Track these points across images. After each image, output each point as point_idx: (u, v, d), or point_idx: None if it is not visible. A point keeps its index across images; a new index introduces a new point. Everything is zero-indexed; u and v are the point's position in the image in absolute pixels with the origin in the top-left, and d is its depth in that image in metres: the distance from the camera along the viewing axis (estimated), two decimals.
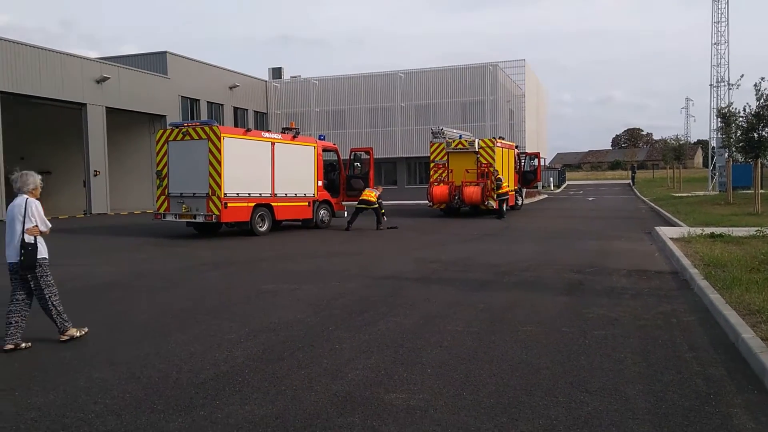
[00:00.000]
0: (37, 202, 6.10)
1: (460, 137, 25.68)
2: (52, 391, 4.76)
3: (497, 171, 24.56)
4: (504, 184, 24.57)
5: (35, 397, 4.66)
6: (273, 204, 18.16)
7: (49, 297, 6.12)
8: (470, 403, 4.45)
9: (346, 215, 21.34)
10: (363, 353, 5.70)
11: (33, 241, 5.94)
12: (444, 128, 26.78)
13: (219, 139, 16.51)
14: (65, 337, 6.16)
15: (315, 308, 7.66)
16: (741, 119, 21.79)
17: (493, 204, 24.27)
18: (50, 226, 6.22)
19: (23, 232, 5.92)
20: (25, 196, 6.04)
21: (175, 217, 17.29)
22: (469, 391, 4.70)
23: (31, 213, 5.96)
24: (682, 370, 5.13)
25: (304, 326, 6.75)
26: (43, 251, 6.06)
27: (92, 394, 4.70)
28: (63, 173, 33.00)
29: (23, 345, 5.93)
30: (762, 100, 20.23)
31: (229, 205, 16.66)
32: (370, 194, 19.67)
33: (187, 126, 17.39)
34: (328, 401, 4.51)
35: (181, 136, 17.16)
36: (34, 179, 6.14)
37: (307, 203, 19.55)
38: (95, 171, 29.06)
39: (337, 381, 4.94)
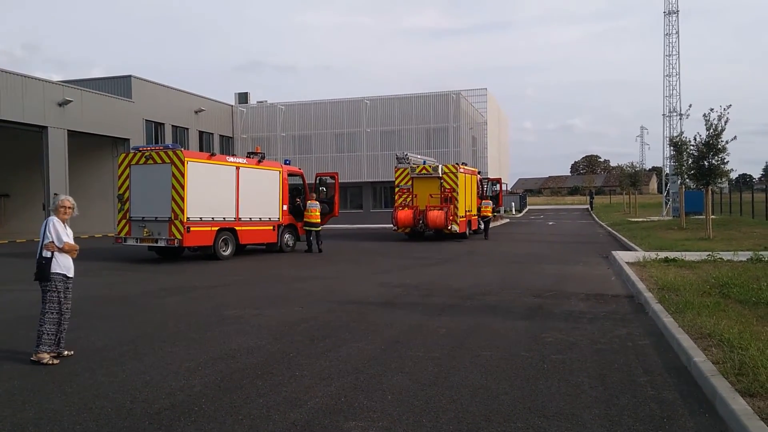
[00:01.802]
0: (56, 220, 6.51)
1: (425, 163, 26.02)
2: None
3: (488, 195, 27.59)
4: (488, 207, 26.43)
5: None
6: (237, 228, 18.02)
7: (47, 312, 6.43)
8: (430, 431, 4.44)
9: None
10: (323, 380, 5.65)
11: (49, 256, 6.40)
12: (409, 154, 27.10)
13: (183, 163, 16.37)
14: (34, 359, 6.28)
15: (276, 334, 7.58)
16: (692, 148, 22.56)
17: (457, 228, 24.62)
18: (67, 243, 6.49)
19: (41, 247, 6.42)
20: (52, 215, 6.55)
21: (137, 241, 17.03)
22: (428, 418, 4.70)
23: (48, 230, 6.43)
24: (636, 394, 5.23)
25: (264, 353, 6.67)
26: (58, 267, 6.46)
27: (41, 426, 4.54)
28: (22, 196, 32.24)
29: (65, 353, 6.54)
30: (711, 130, 20.99)
31: (191, 229, 16.47)
32: (315, 212, 19.72)
33: (151, 150, 17.21)
34: (286, 431, 4.45)
35: (144, 159, 16.98)
36: (58, 200, 6.66)
37: (271, 227, 19.44)
38: (55, 194, 28.23)
39: (296, 409, 4.88)
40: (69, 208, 6.61)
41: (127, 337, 7.52)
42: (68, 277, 6.58)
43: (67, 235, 6.55)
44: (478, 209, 27.01)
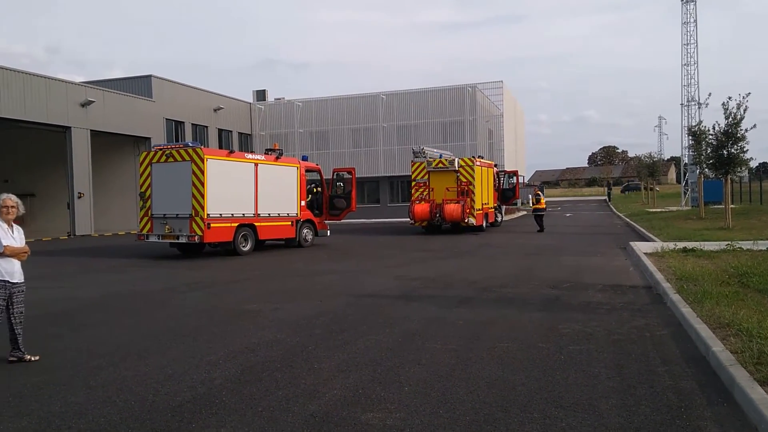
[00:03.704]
0: None
1: (441, 156, 26.00)
2: (26, 417, 4.72)
3: (538, 187, 26.46)
4: (542, 200, 25.72)
5: (8, 423, 4.61)
6: (256, 224, 18.21)
7: None
8: (446, 422, 4.48)
9: (328, 234, 21.45)
10: (341, 372, 5.72)
11: None
12: (425, 148, 27.11)
13: (202, 160, 16.58)
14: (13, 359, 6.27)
15: (295, 328, 7.67)
16: (711, 137, 22.30)
17: (474, 221, 24.63)
18: (9, 246, 6.08)
19: None
20: None
21: (159, 238, 17.30)
22: (445, 409, 4.73)
23: None
24: (654, 384, 5.21)
25: (284, 346, 6.76)
26: None
27: (66, 419, 4.66)
28: (47, 195, 32.87)
29: (28, 357, 6.27)
30: (730, 119, 20.72)
31: (212, 225, 16.68)
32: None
33: (171, 148, 17.45)
34: (305, 422, 4.51)
35: (164, 158, 17.22)
36: None
37: (290, 223, 19.60)
38: (79, 193, 28.92)
39: (315, 401, 4.95)
40: (11, 207, 6.12)
41: (149, 332, 7.67)
42: (13, 283, 6.14)
43: (13, 238, 6.12)
44: (537, 201, 25.99)
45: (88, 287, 11.86)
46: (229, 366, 6.00)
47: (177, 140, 34.22)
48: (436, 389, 5.19)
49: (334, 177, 22.27)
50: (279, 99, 44.28)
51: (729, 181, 23.16)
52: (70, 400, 5.10)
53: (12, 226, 6.21)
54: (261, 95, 44.63)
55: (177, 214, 16.90)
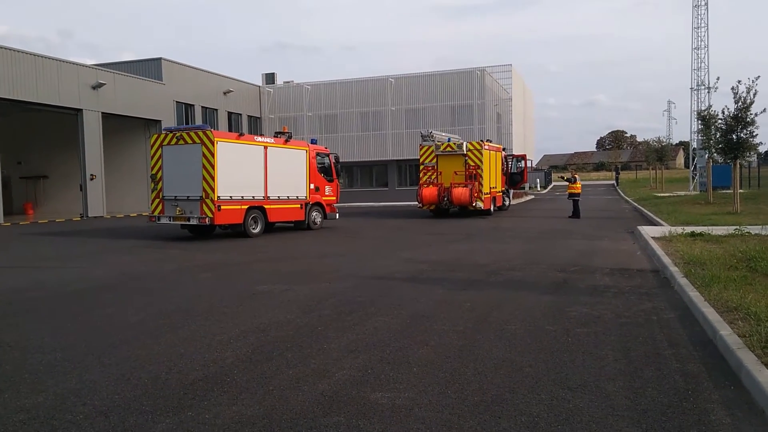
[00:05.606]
0: None
1: (449, 140, 25.94)
2: (41, 393, 4.82)
3: (573, 170, 26.12)
4: (578, 184, 24.28)
5: (24, 399, 4.71)
6: (266, 206, 18.31)
7: None
8: (454, 402, 4.53)
9: (337, 217, 21.52)
10: (351, 353, 5.79)
11: None
12: (433, 131, 27.00)
13: (212, 143, 16.63)
14: None
15: (305, 309, 7.74)
16: (720, 121, 22.13)
17: (481, 205, 24.61)
18: None
19: None
20: None
21: (170, 220, 17.45)
22: (453, 389, 4.78)
23: None
24: (661, 367, 5.23)
25: (293, 327, 6.83)
26: None
27: (81, 395, 4.76)
28: (60, 177, 33.17)
29: None
30: (740, 103, 20.54)
31: (222, 207, 16.79)
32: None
33: (181, 130, 17.52)
34: (315, 401, 4.58)
35: (175, 140, 17.30)
36: None
37: (299, 205, 19.70)
38: (92, 175, 29.13)
39: (324, 381, 5.02)
40: None
41: (162, 312, 7.75)
42: None
43: None
44: (572, 185, 24.23)
45: (101, 267, 11.99)
46: (240, 345, 6.08)
47: (187, 123, 34.35)
48: (444, 370, 5.24)
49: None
50: (288, 82, 44.23)
51: (738, 165, 23.00)
52: (85, 377, 5.19)
53: None
54: (270, 78, 44.59)
55: (188, 196, 17.02)
